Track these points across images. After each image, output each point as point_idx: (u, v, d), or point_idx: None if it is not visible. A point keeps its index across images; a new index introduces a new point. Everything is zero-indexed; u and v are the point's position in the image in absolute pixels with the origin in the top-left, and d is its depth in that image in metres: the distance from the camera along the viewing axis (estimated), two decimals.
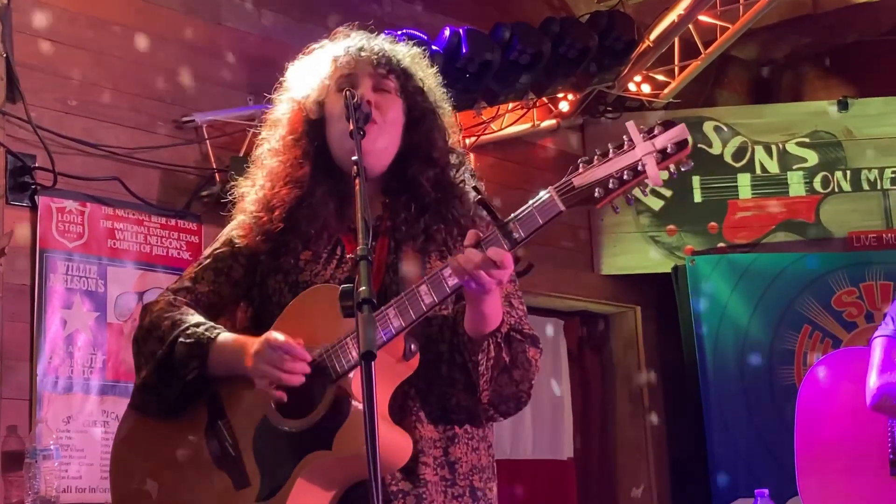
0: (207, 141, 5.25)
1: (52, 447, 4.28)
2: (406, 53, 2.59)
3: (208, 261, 2.53)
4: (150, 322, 2.44)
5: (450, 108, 2.65)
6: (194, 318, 2.41)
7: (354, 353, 2.22)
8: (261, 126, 2.67)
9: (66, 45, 4.91)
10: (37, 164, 4.68)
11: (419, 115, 2.55)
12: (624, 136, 2.22)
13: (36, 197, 4.67)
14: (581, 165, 2.23)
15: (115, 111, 5.01)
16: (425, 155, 2.52)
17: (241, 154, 5.26)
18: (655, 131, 2.20)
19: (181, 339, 2.35)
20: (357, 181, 2.19)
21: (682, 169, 2.22)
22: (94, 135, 4.92)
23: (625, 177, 2.19)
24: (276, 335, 2.26)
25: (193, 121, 5.21)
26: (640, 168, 2.19)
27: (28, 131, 4.67)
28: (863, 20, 7.76)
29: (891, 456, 4.25)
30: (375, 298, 1.97)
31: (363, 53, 2.52)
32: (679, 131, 2.20)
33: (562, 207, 2.20)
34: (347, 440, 2.20)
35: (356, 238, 2.34)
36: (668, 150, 2.19)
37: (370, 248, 2.05)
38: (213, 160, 5.25)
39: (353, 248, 2.37)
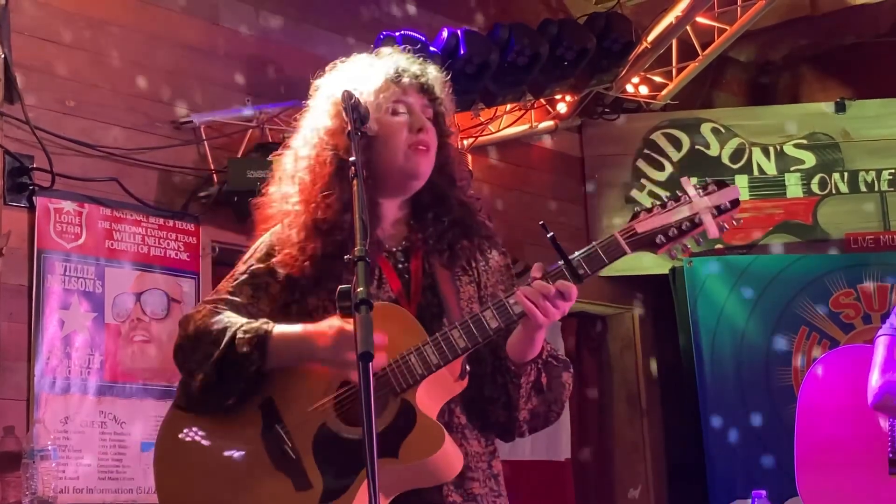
0: (205, 142, 5.25)
1: (49, 448, 4.27)
2: (436, 77, 2.66)
3: (245, 276, 2.56)
4: (197, 329, 2.47)
5: (456, 133, 2.76)
6: (244, 318, 2.45)
7: (419, 368, 2.36)
8: (292, 125, 2.69)
9: (63, 45, 4.91)
10: (35, 165, 4.68)
11: (444, 139, 2.64)
12: (677, 191, 2.44)
13: (34, 197, 4.67)
14: (641, 213, 2.43)
15: (112, 112, 5.01)
16: (449, 178, 2.64)
17: (240, 155, 5.27)
18: (710, 188, 2.42)
19: (239, 336, 2.39)
20: (355, 182, 2.23)
21: (733, 225, 2.45)
22: (92, 135, 4.92)
23: (683, 227, 2.40)
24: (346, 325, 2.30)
25: (191, 121, 5.21)
26: (697, 220, 2.40)
27: (26, 132, 4.67)
28: (860, 22, 7.78)
29: (890, 455, 4.26)
30: (419, 324, 2.18)
31: (417, 80, 2.60)
32: (733, 191, 2.43)
33: (627, 250, 2.42)
34: (415, 449, 2.34)
35: (390, 256, 2.53)
36: (723, 207, 2.41)
37: (367, 250, 2.12)
38: (210, 161, 5.25)
39: (390, 270, 2.52)
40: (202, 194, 5.19)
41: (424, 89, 2.60)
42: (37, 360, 4.55)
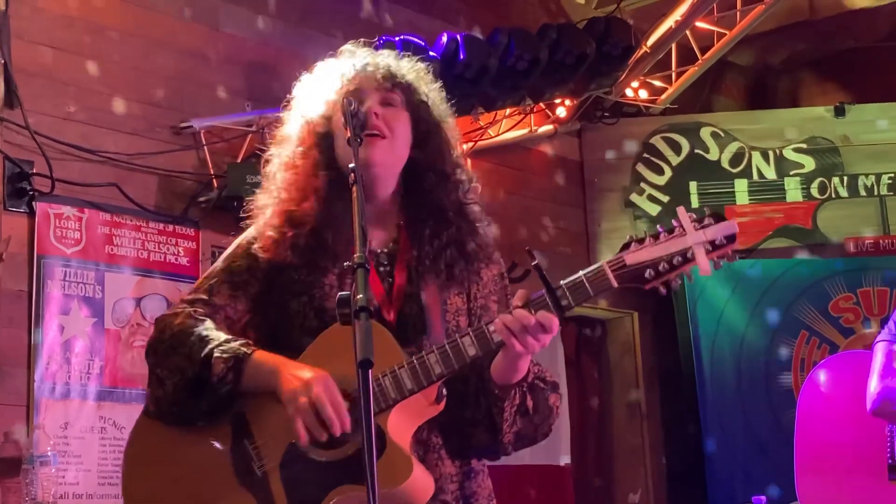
0: (205, 147, 5.25)
1: (49, 453, 4.27)
2: (410, 68, 2.59)
3: (224, 274, 2.49)
4: (173, 335, 2.39)
5: (454, 123, 2.65)
6: (223, 334, 2.38)
7: (392, 392, 2.28)
8: (269, 139, 2.65)
9: (64, 51, 4.91)
10: (35, 171, 4.68)
11: (426, 129, 2.55)
12: (673, 221, 2.32)
13: (34, 203, 4.67)
14: (632, 244, 2.31)
15: (112, 117, 5.02)
16: (439, 171, 2.54)
17: (239, 160, 5.27)
18: (706, 221, 2.32)
19: (217, 354, 2.32)
20: (354, 188, 2.19)
21: (728, 262, 2.35)
22: (92, 141, 4.92)
23: (675, 262, 2.30)
24: (331, 382, 2.25)
25: (191, 126, 5.22)
26: (689, 256, 2.30)
27: (26, 137, 4.67)
28: (859, 27, 7.79)
29: (889, 460, 4.26)
30: (394, 327, 2.06)
31: (369, 69, 2.52)
32: (730, 226, 2.33)
33: (614, 284, 2.30)
34: (381, 478, 2.18)
35: (377, 262, 2.45)
36: (717, 242, 2.32)
37: (367, 257, 2.06)
38: (210, 166, 5.25)
39: (372, 272, 2.41)
40: (202, 199, 5.19)
41: (383, 77, 2.51)
42: (36, 366, 4.54)
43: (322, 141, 2.50)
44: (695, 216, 2.33)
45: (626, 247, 2.32)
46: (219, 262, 2.53)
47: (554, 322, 2.26)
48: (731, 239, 2.32)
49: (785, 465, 4.63)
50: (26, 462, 4.24)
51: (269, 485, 2.32)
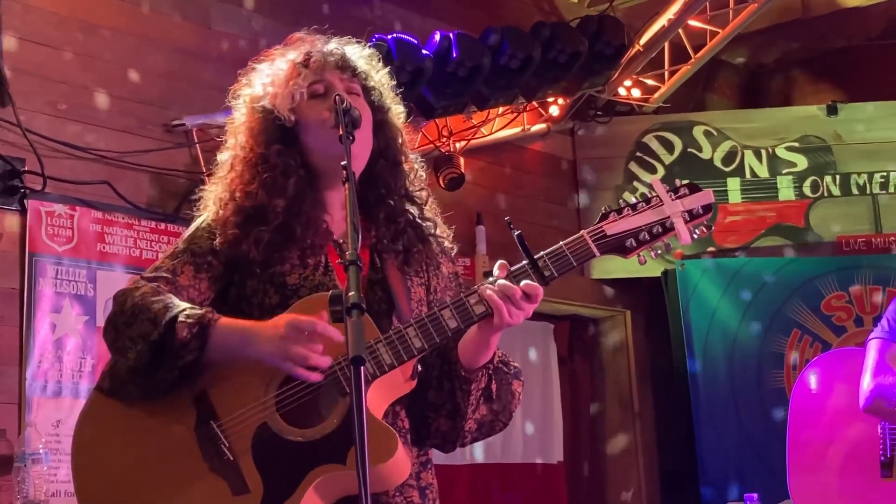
0: (197, 144, 5.24)
1: (41, 451, 4.26)
2: (361, 55, 2.58)
3: (186, 255, 2.44)
4: (135, 305, 2.31)
5: (402, 110, 2.63)
6: (186, 303, 2.33)
7: (371, 368, 2.23)
8: (224, 133, 2.63)
9: (55, 48, 4.90)
10: (26, 168, 4.67)
11: (379, 117, 2.55)
12: (649, 192, 2.36)
13: (25, 201, 4.66)
14: (611, 214, 2.33)
15: (104, 115, 5.01)
16: (390, 158, 2.54)
17: None
18: (682, 191, 2.35)
19: (181, 319, 2.24)
20: (346, 186, 2.18)
21: (705, 231, 2.37)
22: (84, 138, 4.91)
23: (654, 231, 2.32)
24: (301, 317, 2.19)
25: (183, 124, 5.21)
26: (668, 225, 2.32)
27: (17, 135, 4.66)
28: (852, 25, 7.80)
29: (882, 458, 4.27)
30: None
31: (329, 58, 2.51)
32: (706, 196, 2.36)
33: (596, 253, 2.31)
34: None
35: (336, 246, 2.43)
36: (695, 212, 2.34)
37: (359, 255, 2.05)
38: (202, 164, 5.24)
39: (336, 257, 2.41)
40: (194, 197, 5.16)
41: (342, 66, 2.51)
42: (28, 364, 4.54)
43: (286, 135, 2.48)
44: (669, 187, 2.36)
45: (604, 217, 2.33)
46: (179, 244, 2.48)
47: (539, 291, 2.26)
48: (707, 209, 2.34)
49: (777, 462, 4.64)
50: (18, 460, 4.23)
51: (240, 468, 2.25)
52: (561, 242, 2.31)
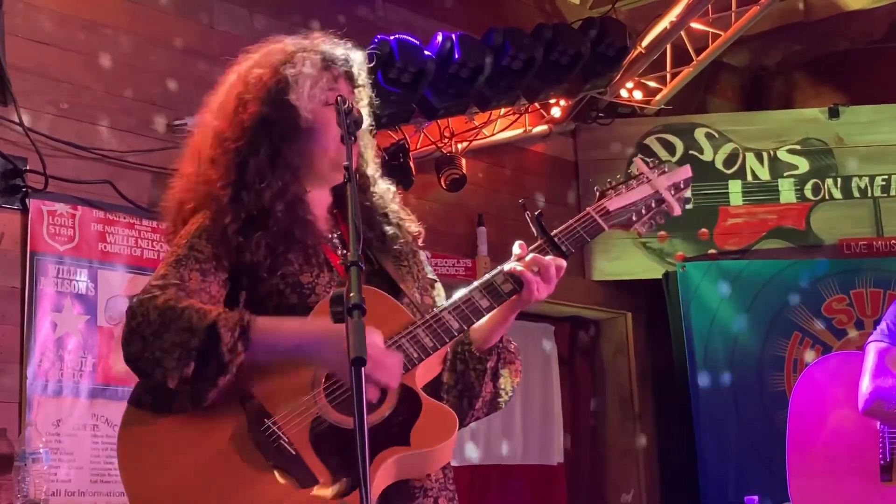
0: None
1: (41, 450, 4.26)
2: (361, 63, 2.63)
3: (191, 262, 2.41)
4: (161, 314, 2.27)
5: (370, 110, 2.69)
6: (216, 307, 2.33)
7: (414, 352, 2.33)
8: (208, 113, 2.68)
9: (57, 47, 4.91)
10: (28, 167, 4.67)
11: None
12: (633, 170, 2.59)
13: (27, 200, 4.66)
14: (609, 192, 2.53)
15: (106, 114, 5.01)
16: (365, 163, 2.64)
17: None
18: (663, 167, 2.59)
19: (221, 323, 2.24)
20: (348, 187, 2.21)
21: (686, 203, 2.65)
22: (86, 138, 4.92)
23: (651, 204, 2.55)
24: (378, 339, 2.26)
25: (185, 124, 5.21)
26: (659, 198, 2.56)
27: (19, 134, 4.66)
28: (854, 28, 7.79)
29: (881, 461, 4.27)
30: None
31: (346, 68, 2.57)
32: (685, 171, 2.62)
33: (605, 227, 2.50)
34: (427, 435, 2.30)
35: (333, 248, 2.49)
36: (678, 185, 2.59)
37: (360, 255, 2.07)
38: None
39: (336, 258, 2.48)
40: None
41: (350, 77, 2.58)
42: (29, 363, 4.54)
43: (297, 131, 2.50)
44: (651, 164, 2.60)
45: (603, 195, 2.54)
46: (181, 251, 2.45)
47: (563, 264, 2.42)
48: (687, 182, 2.61)
49: (777, 465, 4.63)
50: (18, 459, 4.23)
51: (304, 461, 2.28)
52: (570, 220, 2.47)
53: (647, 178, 2.56)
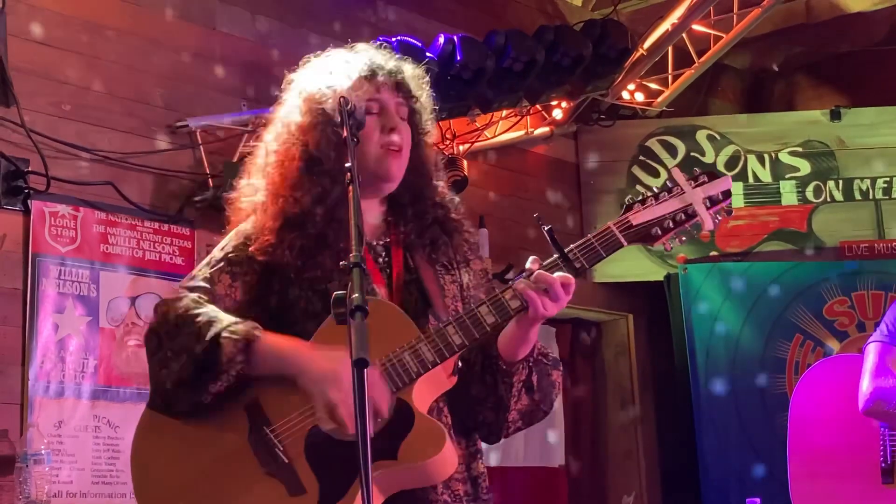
0: (201, 146, 5.25)
1: (43, 452, 4.26)
2: (414, 75, 2.63)
3: (222, 264, 2.49)
4: (178, 316, 2.37)
5: (433, 122, 2.69)
6: (230, 316, 2.37)
7: (414, 366, 2.32)
8: (263, 126, 2.67)
9: (60, 48, 4.91)
10: (30, 169, 4.68)
11: (419, 138, 2.61)
12: (668, 182, 2.45)
13: (29, 201, 4.67)
14: (635, 205, 2.42)
15: (108, 115, 5.01)
16: (425, 177, 2.61)
17: (235, 160, 5.27)
18: (701, 178, 2.45)
19: (226, 335, 2.31)
20: (350, 188, 2.21)
21: (726, 216, 2.47)
22: (88, 139, 4.92)
23: (678, 218, 2.42)
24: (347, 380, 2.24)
25: (187, 126, 5.21)
26: (691, 212, 2.42)
27: (21, 135, 4.66)
28: (856, 30, 7.79)
29: (882, 464, 4.27)
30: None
31: (390, 77, 2.56)
32: (725, 181, 2.46)
33: (624, 243, 2.39)
34: (415, 450, 2.30)
35: (370, 253, 2.50)
36: (715, 198, 2.44)
37: (363, 256, 2.08)
38: (206, 165, 5.25)
39: (371, 264, 2.49)
40: (197, 199, 5.18)
41: (399, 87, 2.56)
42: (31, 364, 4.54)
43: (339, 140, 2.48)
44: (688, 175, 2.45)
45: (629, 208, 2.42)
46: (216, 252, 2.53)
47: (572, 281, 2.34)
48: (726, 194, 2.45)
49: (779, 467, 4.64)
50: (20, 460, 4.23)
51: (295, 470, 2.32)
52: (589, 234, 2.40)
53: (681, 189, 2.43)
